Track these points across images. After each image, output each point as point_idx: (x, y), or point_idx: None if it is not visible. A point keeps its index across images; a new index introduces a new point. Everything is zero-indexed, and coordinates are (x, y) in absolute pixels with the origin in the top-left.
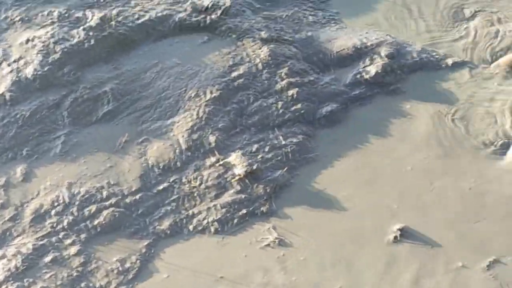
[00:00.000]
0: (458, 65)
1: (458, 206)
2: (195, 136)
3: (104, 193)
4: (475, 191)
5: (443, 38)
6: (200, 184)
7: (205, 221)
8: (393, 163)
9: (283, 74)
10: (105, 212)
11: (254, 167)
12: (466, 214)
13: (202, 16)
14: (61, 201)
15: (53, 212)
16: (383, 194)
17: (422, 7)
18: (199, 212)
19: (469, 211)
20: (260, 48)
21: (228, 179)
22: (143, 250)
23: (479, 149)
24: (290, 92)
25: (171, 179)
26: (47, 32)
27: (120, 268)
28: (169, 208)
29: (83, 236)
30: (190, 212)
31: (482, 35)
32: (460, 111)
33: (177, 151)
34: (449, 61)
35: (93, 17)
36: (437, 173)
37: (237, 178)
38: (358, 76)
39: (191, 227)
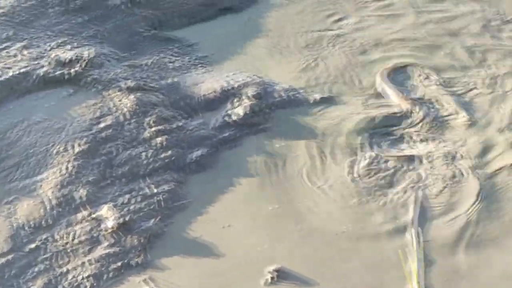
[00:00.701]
0: (325, 100)
1: (333, 246)
2: (65, 191)
3: None
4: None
5: (310, 75)
6: (72, 240)
7: (80, 277)
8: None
9: (151, 122)
10: None
11: (126, 218)
12: (341, 253)
13: (66, 69)
14: None
15: None
16: (258, 237)
17: (291, 46)
18: (73, 268)
19: (343, 251)
20: (126, 97)
21: (100, 233)
22: None
23: None
24: (159, 140)
25: (43, 237)
26: None
27: None
28: (42, 266)
29: None
30: (64, 269)
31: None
32: (329, 146)
33: (47, 208)
34: (317, 96)
35: None
36: None
37: (109, 230)
38: (227, 118)
39: (66, 284)
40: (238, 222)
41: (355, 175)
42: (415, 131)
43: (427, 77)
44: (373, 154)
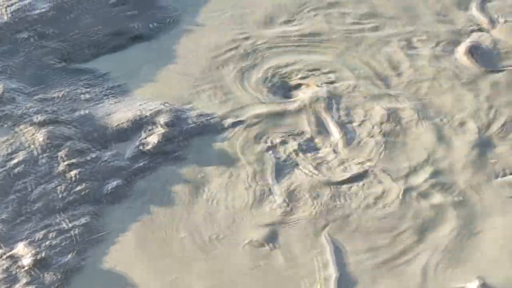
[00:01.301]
0: (237, 124)
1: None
2: None
3: None
4: None
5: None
6: None
7: None
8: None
9: (63, 155)
10: None
11: (43, 254)
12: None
13: None
14: None
15: None
16: (174, 268)
17: (202, 71)
18: None
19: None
20: (38, 132)
21: (17, 271)
22: None
23: None
24: (73, 173)
25: None
26: None
27: None
28: None
29: None
30: None
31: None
32: (244, 171)
33: None
34: (229, 121)
35: None
36: None
37: (26, 268)
38: (140, 147)
39: None
40: (152, 251)
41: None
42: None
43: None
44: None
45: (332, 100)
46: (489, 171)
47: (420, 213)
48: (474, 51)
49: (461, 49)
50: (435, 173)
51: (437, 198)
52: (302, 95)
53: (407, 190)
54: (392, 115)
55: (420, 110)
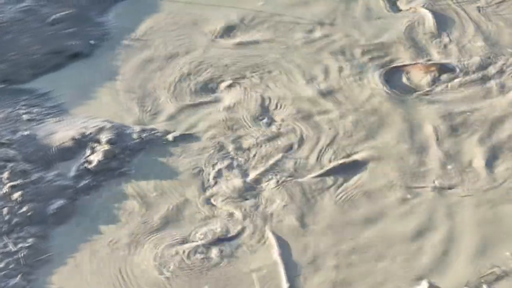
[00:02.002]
0: (180, 138)
1: None
2: None
3: None
4: None
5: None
6: None
7: None
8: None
9: (6, 177)
10: None
11: None
12: None
13: None
14: None
15: None
16: (123, 285)
17: (143, 87)
18: None
19: None
20: None
21: None
22: None
23: None
24: (15, 196)
25: None
26: None
27: None
28: None
29: None
30: None
31: None
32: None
33: None
34: (170, 137)
35: None
36: None
37: None
38: (83, 166)
39: None
40: (99, 269)
41: None
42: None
43: None
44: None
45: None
46: None
47: None
48: None
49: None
50: None
51: None
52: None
53: None
54: None
55: None
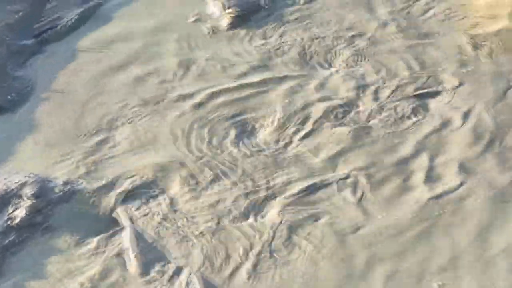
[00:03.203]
0: (102, 189)
1: None
2: None
3: None
4: None
5: (88, 163)
6: None
7: None
8: None
9: None
10: None
11: None
12: None
13: None
14: None
15: None
16: None
17: (65, 139)
18: None
19: None
20: None
21: None
22: None
23: None
24: None
25: None
26: None
27: None
28: None
29: None
30: None
31: None
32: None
33: None
34: (95, 186)
35: None
36: None
37: None
38: (7, 223)
39: None
40: None
41: None
42: None
43: None
44: None
45: None
46: None
47: None
48: None
49: None
50: None
51: None
52: None
53: None
54: None
55: None
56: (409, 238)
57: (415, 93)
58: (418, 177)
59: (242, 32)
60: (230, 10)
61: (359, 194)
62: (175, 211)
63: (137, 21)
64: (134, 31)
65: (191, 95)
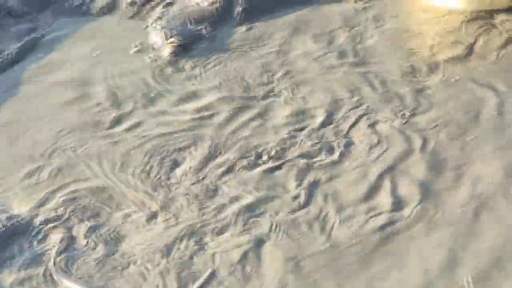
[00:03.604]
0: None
1: None
2: None
3: None
4: None
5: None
6: None
7: None
8: None
9: None
10: None
11: None
12: None
13: None
14: None
15: None
16: None
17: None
18: None
19: None
20: None
21: None
22: None
23: None
24: None
25: None
26: None
27: None
28: None
29: None
30: None
31: None
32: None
33: None
34: (40, 219)
35: None
36: None
37: None
38: None
39: None
40: None
41: None
42: None
43: None
44: None
45: None
46: None
47: None
48: None
49: None
50: None
51: None
52: None
53: None
54: None
55: None
56: None
57: None
58: None
59: (183, 61)
60: (172, 39)
61: None
62: None
63: (78, 50)
64: (74, 60)
65: None
